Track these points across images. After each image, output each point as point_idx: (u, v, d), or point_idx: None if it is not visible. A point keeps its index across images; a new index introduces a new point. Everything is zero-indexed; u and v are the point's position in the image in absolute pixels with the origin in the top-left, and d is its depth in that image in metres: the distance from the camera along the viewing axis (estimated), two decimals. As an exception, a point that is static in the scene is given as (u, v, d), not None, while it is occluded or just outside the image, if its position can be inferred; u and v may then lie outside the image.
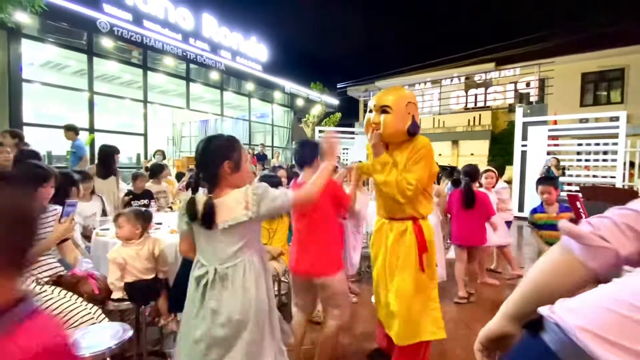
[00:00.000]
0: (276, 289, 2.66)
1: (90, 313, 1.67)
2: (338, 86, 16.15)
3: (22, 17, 6.09)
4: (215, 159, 1.28)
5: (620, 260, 0.59)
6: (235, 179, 1.30)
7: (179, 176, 5.46)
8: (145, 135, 8.95)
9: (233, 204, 1.25)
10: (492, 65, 13.99)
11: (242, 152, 1.34)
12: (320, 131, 11.30)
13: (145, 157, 8.39)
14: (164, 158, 6.67)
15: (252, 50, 11.83)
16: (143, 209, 2.22)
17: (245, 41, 11.61)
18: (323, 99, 14.45)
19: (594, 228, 0.62)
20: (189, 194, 1.32)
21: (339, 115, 14.79)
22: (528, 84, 11.90)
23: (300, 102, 13.90)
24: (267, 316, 1.31)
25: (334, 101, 15.41)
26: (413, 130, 1.76)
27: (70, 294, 1.75)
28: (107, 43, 7.90)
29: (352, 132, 11.60)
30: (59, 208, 1.78)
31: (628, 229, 0.59)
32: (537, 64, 10.18)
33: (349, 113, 16.09)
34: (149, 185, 3.83)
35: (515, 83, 12.45)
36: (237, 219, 1.24)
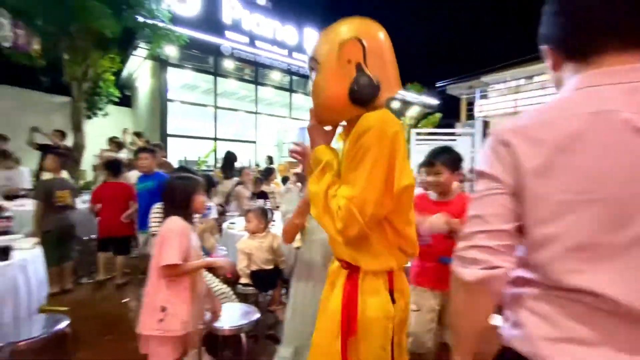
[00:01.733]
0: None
1: (227, 292, 1.97)
2: (437, 84, 15.21)
3: (170, 50, 7.63)
4: None
5: None
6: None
7: (284, 180, 5.97)
8: (255, 142, 10.14)
9: None
10: None
11: None
12: (417, 134, 10.83)
13: (256, 163, 9.47)
14: (272, 163, 7.40)
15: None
16: (266, 207, 2.52)
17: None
18: (421, 100, 13.82)
19: None
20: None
21: (438, 115, 13.90)
22: None
23: (395, 105, 13.61)
24: None
25: (434, 101, 14.57)
26: (358, 95, 0.92)
27: (211, 274, 2.10)
28: (228, 64, 9.26)
29: (452, 134, 10.75)
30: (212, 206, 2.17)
31: None
32: None
33: (449, 113, 14.98)
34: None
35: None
36: None
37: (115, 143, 5.65)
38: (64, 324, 1.74)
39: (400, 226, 0.95)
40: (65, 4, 4.88)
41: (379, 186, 0.87)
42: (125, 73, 9.37)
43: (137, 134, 6.32)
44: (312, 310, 1.26)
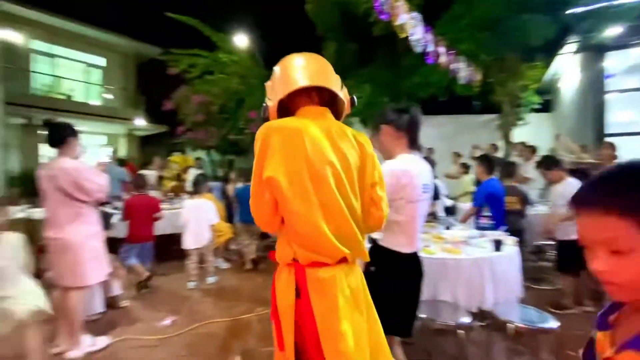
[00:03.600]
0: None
1: None
2: None
3: (612, 31, 6.30)
4: None
5: None
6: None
7: None
8: None
9: None
10: None
11: None
12: None
13: None
14: None
15: None
16: None
17: None
18: None
19: None
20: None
21: None
22: None
23: None
24: None
25: None
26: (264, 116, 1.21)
27: None
28: None
29: None
30: None
31: None
32: None
33: None
34: None
35: None
36: None
37: (530, 148, 5.59)
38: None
39: (285, 216, 1.11)
40: (503, 39, 5.55)
41: (256, 180, 1.10)
42: (546, 77, 9.08)
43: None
44: None
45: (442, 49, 4.92)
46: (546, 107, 9.44)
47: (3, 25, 9.13)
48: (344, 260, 1.13)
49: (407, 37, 4.09)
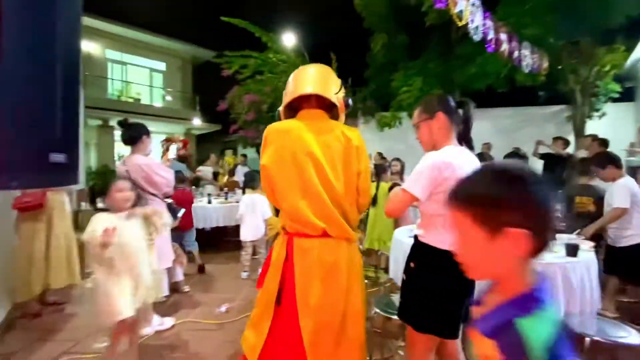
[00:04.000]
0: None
1: None
2: None
3: None
4: None
5: None
6: None
7: None
8: None
9: None
10: None
11: None
12: None
13: None
14: None
15: None
16: None
17: None
18: None
19: None
20: None
21: None
22: None
23: None
24: None
25: None
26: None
27: None
28: None
29: None
30: None
31: None
32: None
33: None
34: None
35: None
36: None
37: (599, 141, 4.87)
38: None
39: (276, 195, 1.45)
40: (577, 21, 4.96)
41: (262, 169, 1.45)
42: (627, 63, 7.97)
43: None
44: None
45: (503, 36, 4.55)
46: (628, 95, 8.26)
47: (84, 37, 10.34)
48: (325, 234, 1.38)
49: (465, 25, 3.85)
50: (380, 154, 7.36)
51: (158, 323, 2.74)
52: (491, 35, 4.35)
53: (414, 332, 1.47)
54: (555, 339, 0.55)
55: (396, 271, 2.51)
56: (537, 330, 0.55)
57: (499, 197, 0.61)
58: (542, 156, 5.62)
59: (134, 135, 2.65)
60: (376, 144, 8.00)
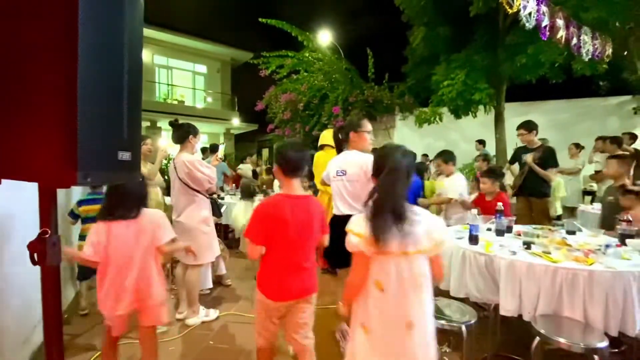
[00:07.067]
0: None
1: None
2: None
3: None
4: None
5: None
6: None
7: None
8: None
9: None
10: None
11: None
12: None
13: None
14: None
15: None
16: None
17: None
18: None
19: None
20: None
21: None
22: None
23: None
24: None
25: None
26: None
27: None
28: None
29: None
30: None
31: None
32: None
33: None
34: None
35: None
36: None
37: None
38: None
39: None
40: None
41: None
42: None
43: None
44: None
45: (560, 21, 4.17)
46: None
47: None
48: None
49: (517, 12, 3.57)
50: (425, 155, 7.11)
51: (204, 314, 2.86)
52: (546, 21, 4.00)
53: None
54: None
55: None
56: None
57: None
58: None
59: (183, 135, 2.78)
60: (416, 141, 7.74)
